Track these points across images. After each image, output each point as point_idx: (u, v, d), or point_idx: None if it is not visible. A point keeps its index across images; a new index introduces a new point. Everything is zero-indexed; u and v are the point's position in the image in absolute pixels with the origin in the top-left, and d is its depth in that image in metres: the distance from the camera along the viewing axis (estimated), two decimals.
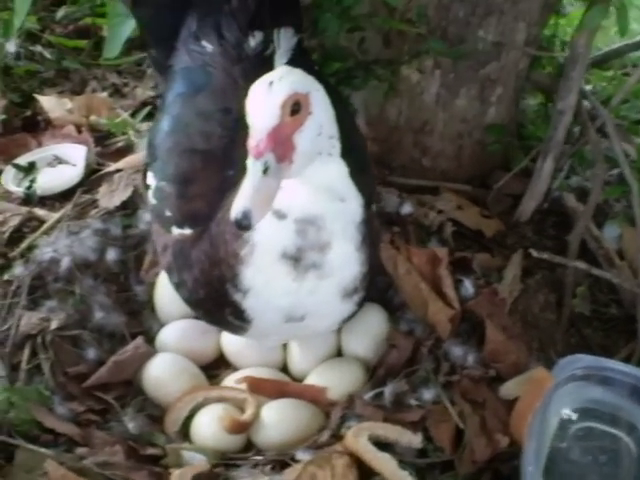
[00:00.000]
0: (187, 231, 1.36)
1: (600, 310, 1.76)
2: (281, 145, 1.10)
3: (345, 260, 1.28)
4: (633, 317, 1.68)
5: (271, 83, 1.12)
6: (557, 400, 1.40)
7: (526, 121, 2.17)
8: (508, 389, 1.45)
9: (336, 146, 1.22)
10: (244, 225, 1.07)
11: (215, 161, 1.34)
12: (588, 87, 2.17)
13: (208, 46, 1.49)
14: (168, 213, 1.39)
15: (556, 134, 1.84)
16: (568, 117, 1.82)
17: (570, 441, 1.40)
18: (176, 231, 1.38)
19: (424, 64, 1.84)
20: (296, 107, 1.12)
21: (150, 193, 1.45)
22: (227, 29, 1.48)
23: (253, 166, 1.08)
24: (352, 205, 1.27)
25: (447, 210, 1.82)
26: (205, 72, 1.46)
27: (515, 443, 1.36)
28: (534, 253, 1.69)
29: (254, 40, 1.47)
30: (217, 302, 1.33)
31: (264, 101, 1.11)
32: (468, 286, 1.57)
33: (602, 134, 1.91)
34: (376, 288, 1.61)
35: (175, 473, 1.26)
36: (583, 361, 1.43)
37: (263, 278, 1.26)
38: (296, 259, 1.24)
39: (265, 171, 1.08)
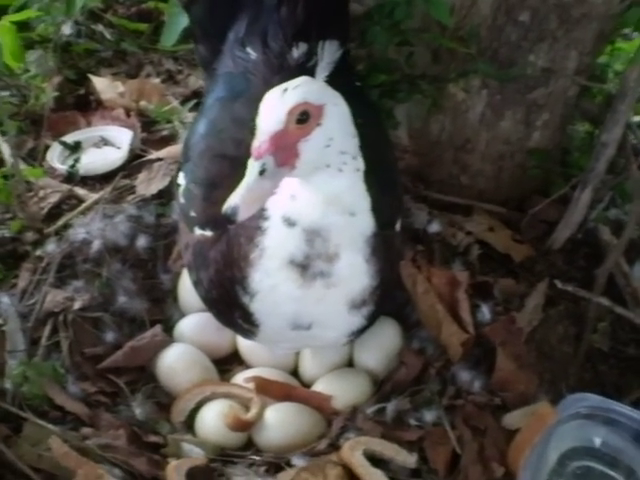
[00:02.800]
0: (208, 233, 1.39)
1: (619, 348, 1.74)
2: (283, 150, 1.14)
3: (353, 271, 1.30)
4: None
5: (285, 90, 1.16)
6: (559, 436, 1.40)
7: (572, 147, 2.15)
8: (512, 419, 1.45)
9: (349, 163, 1.23)
10: (230, 219, 1.13)
11: (243, 168, 1.38)
12: (637, 118, 2.14)
13: (252, 53, 1.51)
14: (193, 214, 1.42)
15: (597, 166, 1.82)
16: (611, 150, 1.80)
17: (567, 478, 1.40)
18: (198, 232, 1.41)
19: (471, 83, 1.84)
20: (304, 116, 1.15)
21: (179, 192, 1.48)
22: (273, 38, 1.50)
23: (251, 166, 1.13)
24: (362, 218, 1.29)
25: (476, 232, 1.81)
26: (246, 79, 1.49)
27: (511, 474, 1.37)
28: (558, 284, 1.69)
29: (297, 51, 1.49)
30: (228, 303, 1.37)
31: (274, 106, 1.15)
32: (485, 311, 1.57)
33: None
34: (395, 302, 1.63)
35: (172, 464, 1.30)
36: (589, 400, 1.43)
37: (270, 282, 1.29)
38: (303, 266, 1.26)
39: (262, 172, 1.12)
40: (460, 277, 1.57)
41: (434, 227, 1.75)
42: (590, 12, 1.71)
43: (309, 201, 1.24)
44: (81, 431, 1.37)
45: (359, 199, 1.28)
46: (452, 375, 1.48)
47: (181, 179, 1.48)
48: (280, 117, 1.14)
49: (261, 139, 1.14)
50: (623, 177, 1.91)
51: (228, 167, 1.39)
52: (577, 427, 1.43)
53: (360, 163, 1.26)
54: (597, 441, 1.43)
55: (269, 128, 1.14)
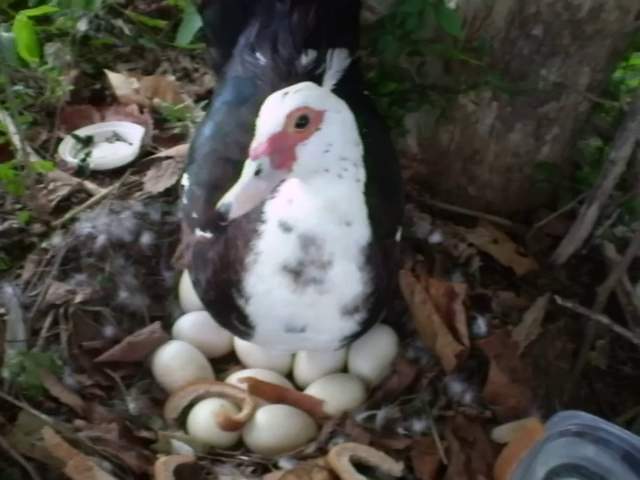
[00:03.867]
0: (208, 235, 1.40)
1: (616, 367, 1.75)
2: (280, 152, 1.16)
3: (346, 279, 1.31)
4: None
5: (286, 94, 1.17)
6: (547, 452, 1.40)
7: (583, 162, 2.15)
8: (501, 433, 1.46)
9: (349, 169, 1.24)
10: (223, 217, 1.15)
11: None
12: None
13: (261, 59, 1.52)
14: (195, 215, 1.44)
15: (604, 183, 1.82)
16: (619, 168, 1.80)
17: None
18: (199, 233, 1.43)
19: (482, 95, 1.84)
20: (303, 121, 1.16)
21: (183, 193, 1.50)
22: (283, 44, 1.52)
23: (248, 166, 1.15)
24: (358, 229, 1.29)
25: (479, 244, 1.82)
26: (253, 84, 1.50)
27: None
28: (558, 300, 1.69)
29: (306, 58, 1.50)
30: (225, 305, 1.38)
31: (274, 108, 1.16)
32: (481, 324, 1.57)
33: None
34: (393, 311, 1.64)
35: (160, 460, 1.32)
36: (580, 418, 1.42)
37: (264, 287, 1.31)
38: (297, 272, 1.28)
39: (257, 172, 1.14)
40: (458, 289, 1.58)
41: (435, 237, 1.76)
42: (604, 29, 1.71)
43: (306, 206, 1.25)
44: (74, 423, 1.39)
45: (356, 209, 1.29)
46: (444, 386, 1.49)
47: (185, 180, 1.50)
48: (279, 119, 1.15)
49: (259, 140, 1.16)
50: (631, 194, 1.91)
51: (231, 171, 1.39)
52: (566, 444, 1.43)
53: (361, 173, 1.27)
54: (586, 459, 1.43)
55: (268, 129, 1.16)
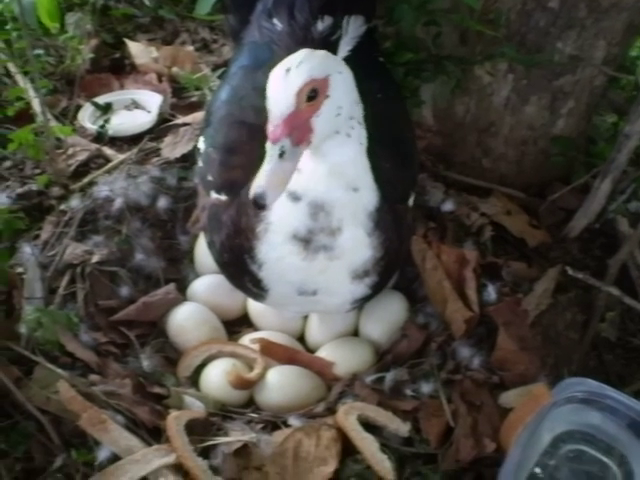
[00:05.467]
0: (223, 197, 1.42)
1: (626, 339, 1.75)
2: (298, 130, 1.17)
3: (355, 245, 1.33)
4: None
5: (288, 70, 1.17)
6: (554, 418, 1.41)
7: (598, 137, 2.14)
8: (508, 398, 1.47)
9: (356, 128, 1.26)
10: (260, 205, 1.15)
11: (261, 136, 1.40)
12: None
13: (278, 24, 1.53)
14: (210, 178, 1.46)
15: (618, 157, 1.81)
16: (634, 142, 1.79)
17: (559, 460, 1.41)
18: (214, 195, 1.45)
19: (498, 67, 1.85)
20: (312, 93, 1.17)
21: (199, 155, 1.52)
22: (299, 9, 1.52)
23: (270, 150, 1.15)
24: (365, 194, 1.31)
25: (492, 214, 1.82)
26: (270, 49, 1.51)
27: (502, 451, 1.39)
28: (569, 271, 1.70)
29: (322, 24, 1.50)
30: (238, 268, 1.41)
31: (281, 89, 1.16)
32: (491, 291, 1.59)
33: None
34: (404, 277, 1.66)
35: (172, 415, 1.34)
36: (587, 385, 1.43)
37: (275, 255, 1.33)
38: (307, 241, 1.30)
39: (281, 155, 1.15)
40: (469, 256, 1.59)
41: (448, 206, 1.77)
42: (620, 2, 1.71)
43: (314, 174, 1.27)
44: (89, 378, 1.42)
45: (362, 174, 1.31)
46: (453, 350, 1.51)
47: (201, 143, 1.52)
48: (290, 100, 1.16)
49: (275, 123, 1.16)
50: None
51: (247, 134, 1.42)
52: (573, 411, 1.44)
53: (363, 134, 1.29)
54: (593, 426, 1.44)
55: (281, 112, 1.16)
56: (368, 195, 1.32)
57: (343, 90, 1.22)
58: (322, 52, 1.24)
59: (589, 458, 1.42)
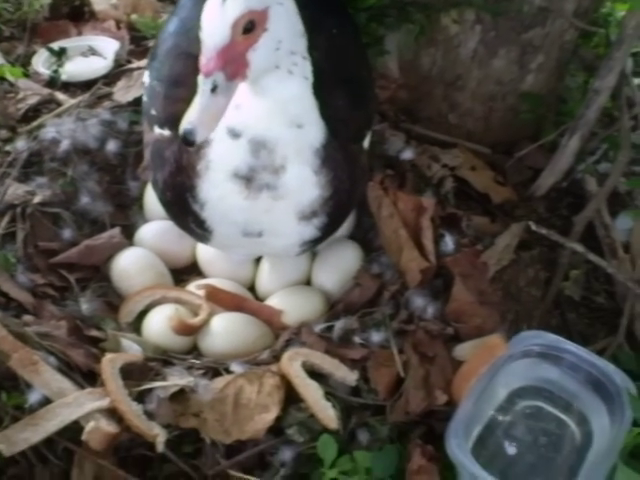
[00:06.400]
0: (166, 132, 1.36)
1: (590, 298, 1.70)
2: (232, 63, 1.10)
3: (301, 183, 1.28)
4: (621, 311, 1.61)
5: (224, 0, 1.10)
6: (509, 373, 1.36)
7: (570, 98, 2.09)
8: (463, 350, 1.42)
9: (299, 64, 1.20)
10: (189, 141, 1.09)
11: None
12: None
13: None
14: (153, 112, 1.40)
15: (587, 113, 1.76)
16: (603, 98, 1.74)
17: (515, 416, 1.36)
18: (157, 130, 1.39)
19: (465, 17, 1.79)
20: (249, 25, 1.10)
21: (144, 90, 1.46)
22: None
23: (202, 84, 1.09)
24: (310, 130, 1.26)
25: (454, 166, 1.77)
26: None
27: (454, 404, 1.33)
28: (533, 226, 1.64)
29: None
30: (181, 208, 1.35)
31: (216, 19, 1.09)
32: (449, 242, 1.52)
33: (637, 123, 1.83)
34: (360, 227, 1.62)
35: (106, 357, 1.28)
36: (544, 338, 1.38)
37: (217, 194, 1.28)
38: (248, 179, 1.25)
39: (214, 89, 1.09)
40: (426, 203, 1.53)
41: (407, 154, 1.70)
42: None
43: (255, 110, 1.21)
44: (22, 318, 1.36)
45: (307, 110, 1.25)
46: (406, 300, 1.44)
47: (146, 77, 1.46)
48: (225, 31, 1.09)
49: (208, 55, 1.10)
50: (615, 128, 1.86)
51: (192, 65, 1.34)
52: (529, 365, 1.38)
53: (308, 69, 1.23)
54: (551, 382, 1.38)
55: (215, 43, 1.09)
56: (314, 131, 1.26)
57: (284, 23, 1.15)
58: None
59: (546, 415, 1.36)
